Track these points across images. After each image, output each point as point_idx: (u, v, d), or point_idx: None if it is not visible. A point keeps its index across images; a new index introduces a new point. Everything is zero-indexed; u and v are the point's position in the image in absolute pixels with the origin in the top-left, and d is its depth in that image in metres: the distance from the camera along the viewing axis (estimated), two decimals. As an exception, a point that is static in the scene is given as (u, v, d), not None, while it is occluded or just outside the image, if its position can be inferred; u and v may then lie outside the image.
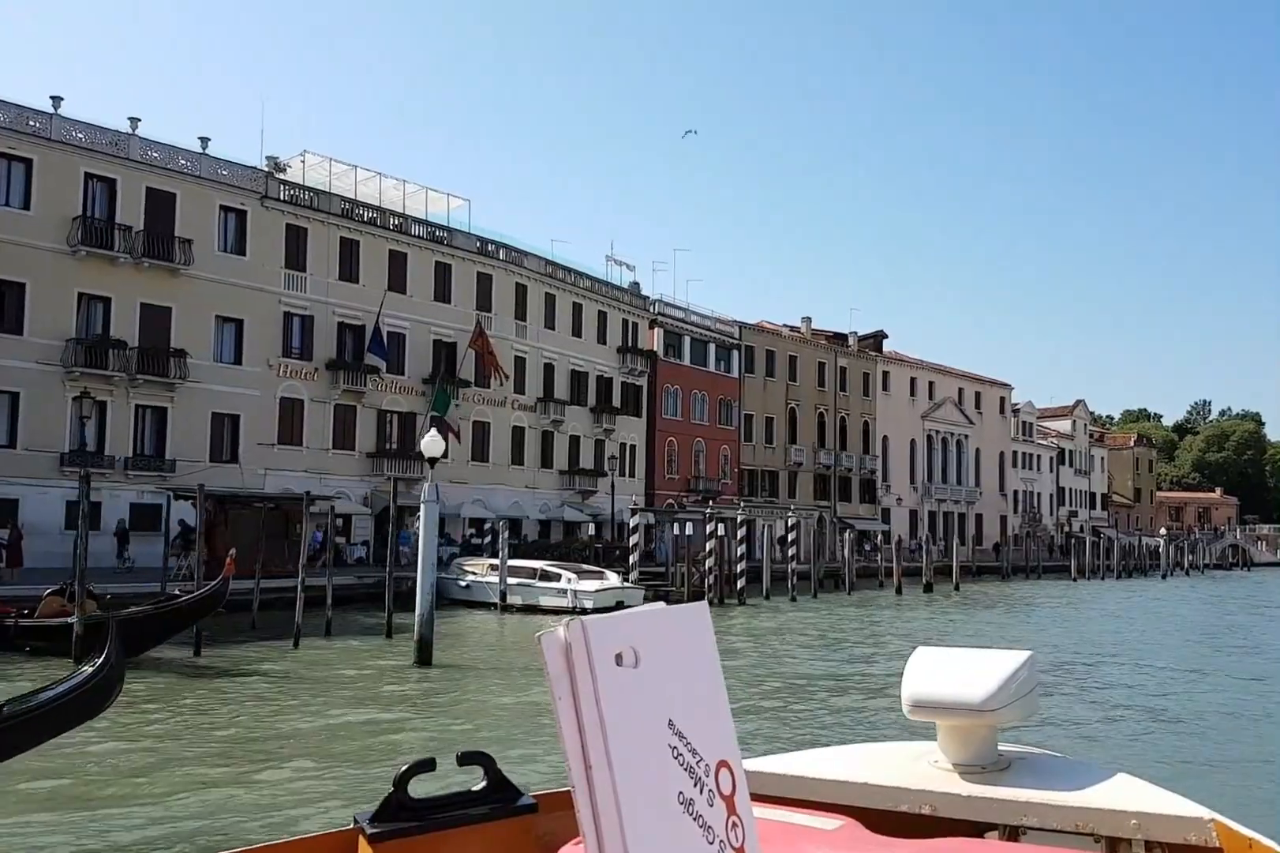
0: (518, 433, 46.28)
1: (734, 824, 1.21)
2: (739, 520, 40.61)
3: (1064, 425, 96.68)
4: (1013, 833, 2.37)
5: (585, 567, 31.77)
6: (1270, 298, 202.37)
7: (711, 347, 59.57)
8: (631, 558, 33.93)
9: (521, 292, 46.69)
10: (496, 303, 45.42)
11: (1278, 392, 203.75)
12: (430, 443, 20.30)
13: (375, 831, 1.85)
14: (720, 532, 35.84)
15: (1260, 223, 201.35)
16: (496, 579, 30.60)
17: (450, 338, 43.20)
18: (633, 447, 53.57)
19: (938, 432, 78.62)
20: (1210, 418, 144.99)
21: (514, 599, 30.63)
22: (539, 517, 46.31)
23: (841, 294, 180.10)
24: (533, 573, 30.66)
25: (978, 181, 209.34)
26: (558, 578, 30.11)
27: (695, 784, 1.17)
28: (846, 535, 48.22)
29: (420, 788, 1.91)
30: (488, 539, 43.28)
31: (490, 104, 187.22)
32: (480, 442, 44.51)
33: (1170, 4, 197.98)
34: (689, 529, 37.72)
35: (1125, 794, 2.34)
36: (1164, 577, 74.08)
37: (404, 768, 1.81)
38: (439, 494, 20.28)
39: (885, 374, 73.99)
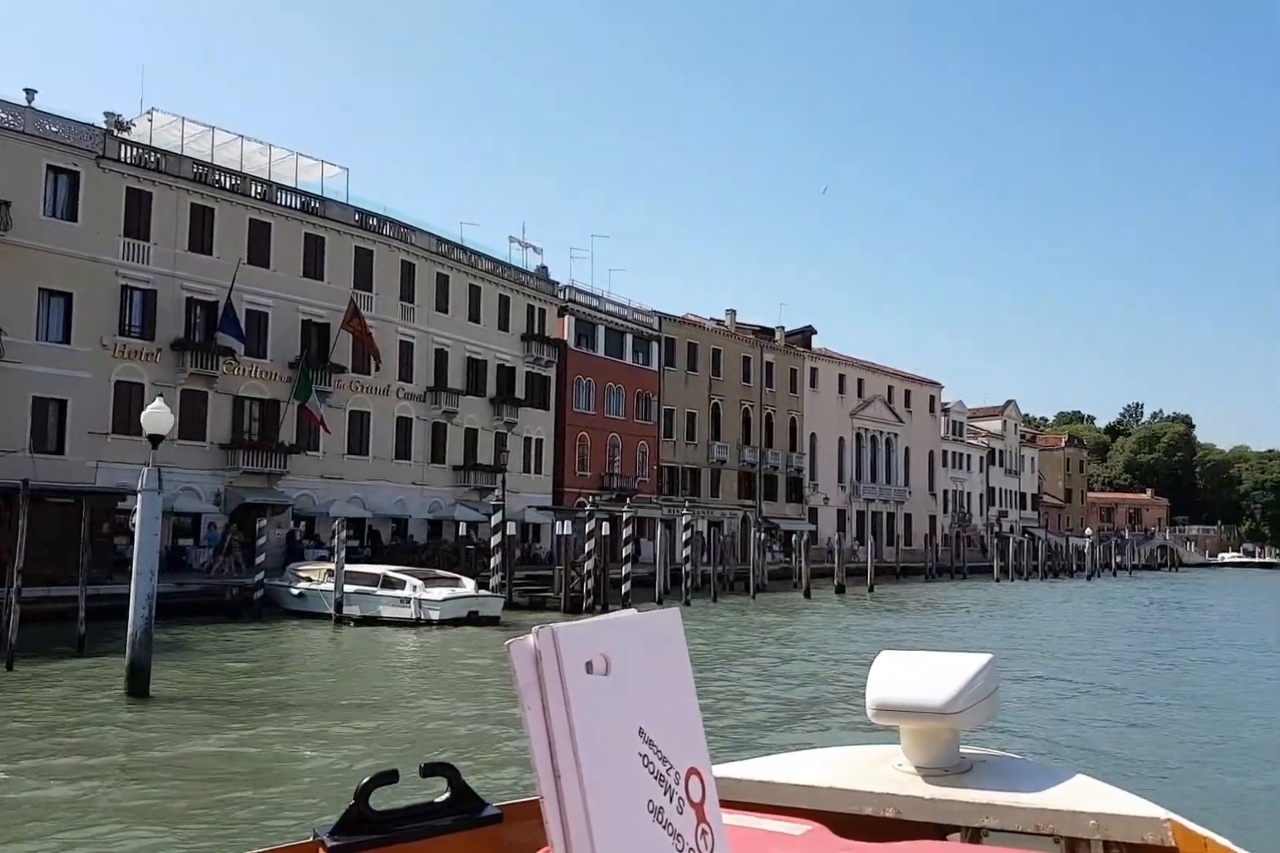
0: (404, 424, 41.07)
1: (703, 832, 1.18)
2: (660, 520, 36.32)
3: (995, 425, 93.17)
4: (974, 835, 2.36)
5: (440, 572, 26.74)
6: (1202, 302, 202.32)
7: (629, 338, 54.74)
8: (492, 561, 28.89)
9: (408, 270, 41.48)
10: (378, 281, 40.19)
11: (1208, 395, 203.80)
12: (151, 417, 15.27)
13: (336, 843, 1.74)
14: (605, 531, 31.00)
15: (1192, 228, 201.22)
16: (333, 587, 25.53)
17: (322, 318, 37.90)
18: (539, 441, 48.58)
19: (867, 430, 74.45)
20: (1142, 420, 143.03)
21: (352, 609, 25.56)
22: (426, 516, 41.14)
23: (771, 290, 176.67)
24: (374, 580, 25.61)
25: (910, 180, 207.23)
26: (401, 585, 25.09)
27: (665, 792, 1.13)
28: (754, 535, 43.61)
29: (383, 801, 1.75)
30: (366, 542, 38.30)
31: (398, 79, 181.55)
32: (359, 433, 39.26)
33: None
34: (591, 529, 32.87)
35: (1083, 795, 2.32)
36: (1089, 577, 70.54)
37: (365, 780, 1.68)
38: (171, 484, 15.13)
39: (813, 371, 69.64)
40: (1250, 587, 63.68)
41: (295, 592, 26.56)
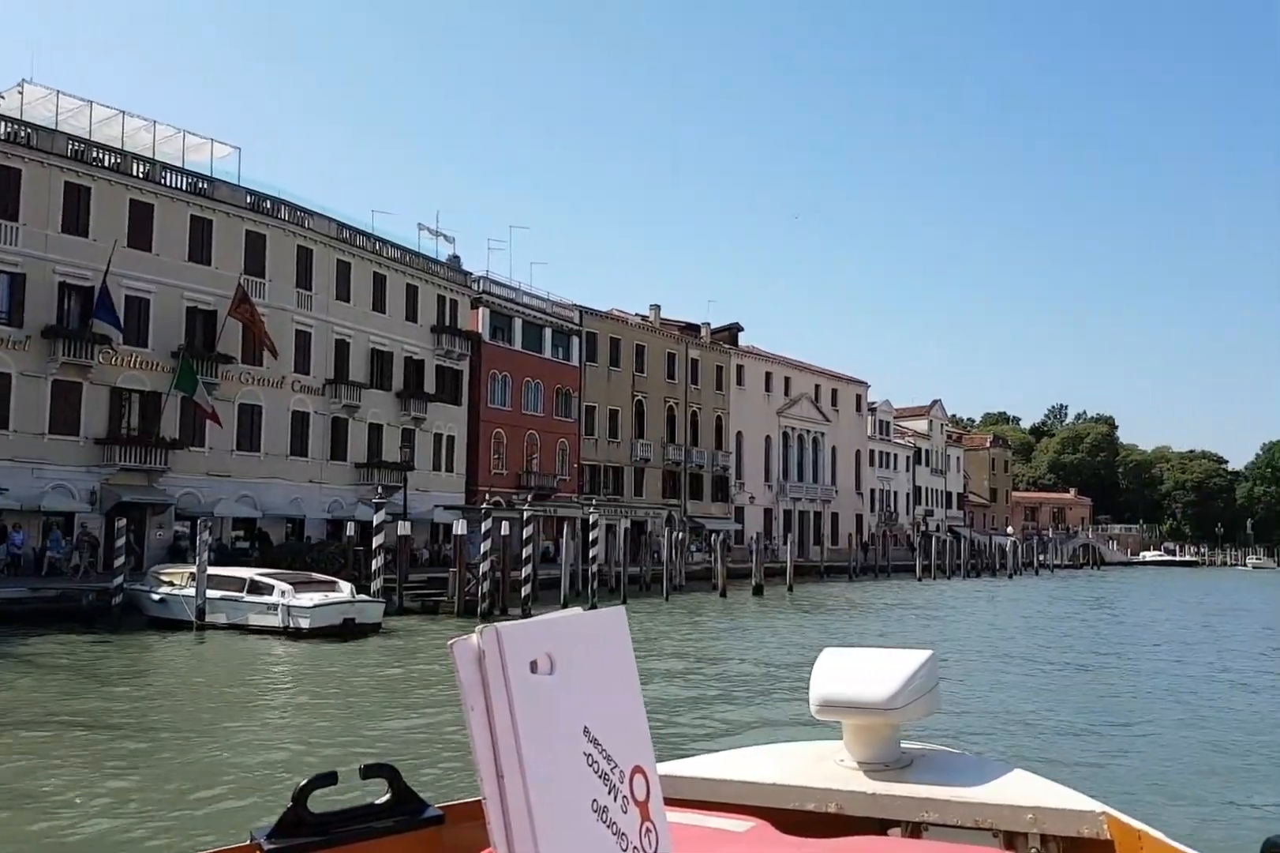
0: (300, 419, 38.67)
1: (648, 830, 1.18)
2: (580, 521, 34.54)
3: (921, 425, 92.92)
4: (915, 829, 2.34)
5: (316, 576, 24.57)
6: (1126, 305, 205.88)
7: (548, 332, 52.82)
8: (375, 563, 26.77)
9: (305, 256, 39.07)
10: (272, 267, 37.74)
11: (1130, 396, 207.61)
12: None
13: (273, 847, 1.70)
14: (505, 531, 29.09)
15: (1119, 231, 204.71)
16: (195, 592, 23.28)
17: (208, 305, 35.37)
18: (451, 438, 46.44)
19: (793, 429, 73.40)
20: (1066, 421, 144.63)
21: (218, 617, 23.33)
22: (325, 516, 38.79)
23: (699, 287, 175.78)
24: (241, 584, 23.40)
25: (839, 177, 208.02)
26: (269, 591, 22.92)
27: (610, 791, 1.14)
28: (669, 534, 42.01)
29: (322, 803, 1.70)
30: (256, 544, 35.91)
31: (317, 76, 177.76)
32: (249, 428, 36.79)
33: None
34: (506, 529, 30.91)
35: (1021, 790, 2.33)
36: (1011, 576, 70.26)
37: (303, 782, 1.64)
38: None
39: (740, 368, 68.36)
40: (1167, 585, 63.75)
41: (156, 597, 24.23)
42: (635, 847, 1.15)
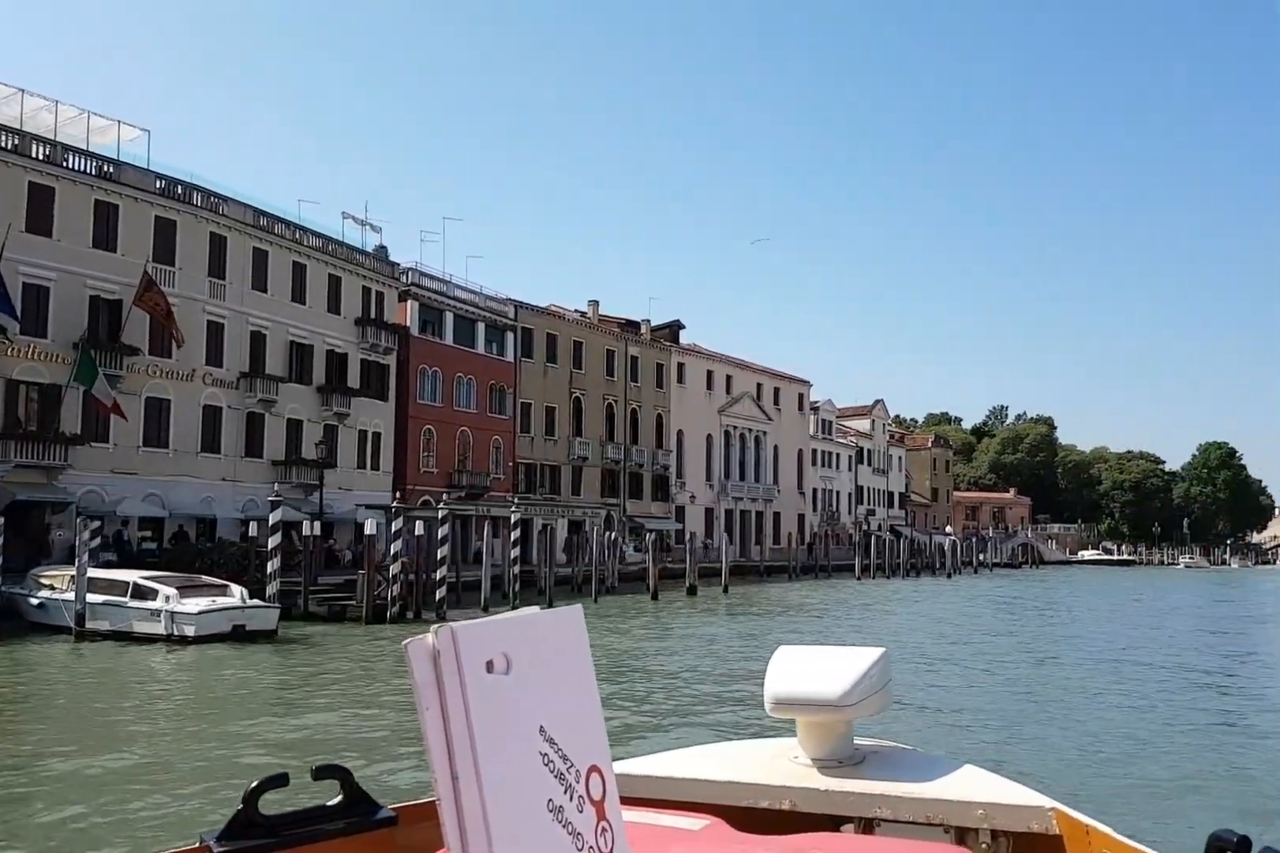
0: (212, 414, 36.88)
1: (603, 830, 1.17)
2: (514, 520, 33.23)
3: (863, 424, 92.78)
4: (867, 825, 2.36)
5: (207, 580, 23.04)
6: (1066, 307, 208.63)
7: (481, 326, 51.38)
8: (270, 565, 25.23)
9: (219, 244, 37.28)
10: (183, 255, 35.92)
11: (1069, 397, 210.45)
12: None
13: (223, 849, 1.67)
14: (419, 530, 27.73)
15: (1054, 231, 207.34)
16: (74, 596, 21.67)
17: (113, 294, 33.50)
18: (377, 434, 44.86)
19: (735, 427, 72.65)
20: (1007, 422, 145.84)
21: (100, 623, 21.73)
22: (238, 516, 37.01)
23: (640, 284, 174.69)
24: (124, 589, 21.83)
25: (776, 179, 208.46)
26: (153, 595, 21.39)
27: (565, 791, 1.12)
28: (597, 534, 40.90)
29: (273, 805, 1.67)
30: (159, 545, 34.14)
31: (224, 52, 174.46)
32: (157, 424, 34.96)
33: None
34: (420, 529, 29.52)
35: (972, 786, 2.35)
36: (950, 576, 70.16)
37: (254, 784, 1.61)
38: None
39: (680, 366, 67.39)
40: (1103, 583, 63.94)
41: (35, 602, 22.58)
42: (591, 846, 1.13)
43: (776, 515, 76.71)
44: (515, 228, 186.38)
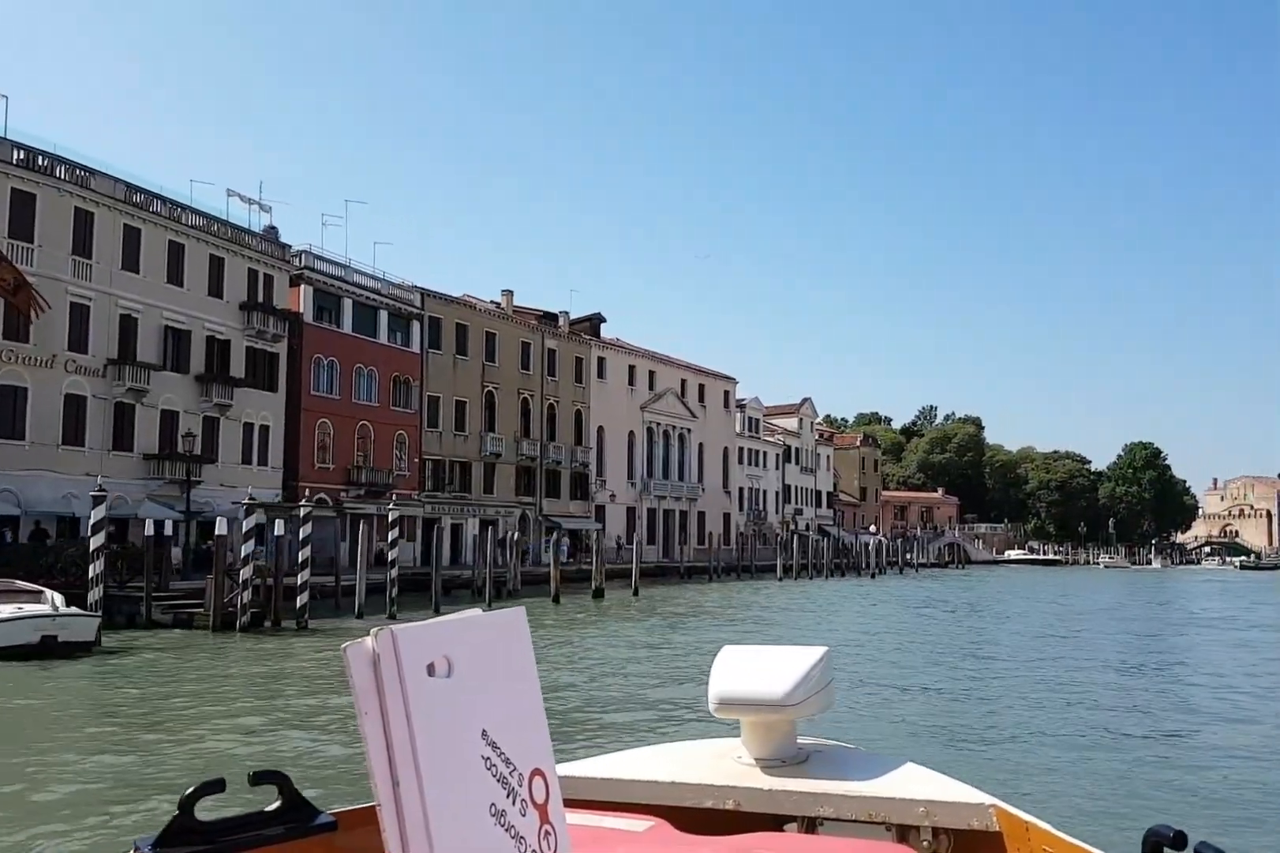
0: (75, 404, 33.86)
1: (546, 833, 1.17)
2: (424, 519, 30.93)
3: (791, 423, 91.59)
4: (810, 825, 2.36)
5: (20, 585, 20.36)
6: (995, 308, 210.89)
7: (384, 314, 48.77)
8: (92, 569, 22.59)
9: (85, 220, 34.26)
10: (43, 231, 32.81)
11: (996, 398, 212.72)
12: None
13: None
14: (280, 531, 25.22)
15: (985, 234, 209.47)
16: None
17: (-43, 271, 30.54)
18: (265, 427, 42.03)
19: (658, 424, 70.77)
20: (936, 422, 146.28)
21: (-109, 635, 19.03)
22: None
23: (561, 277, 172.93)
24: (-80, 595, 19.13)
25: (701, 178, 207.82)
26: (-53, 602, 18.74)
27: (508, 795, 1.12)
28: (481, 533, 38.64)
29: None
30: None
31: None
32: (10, 414, 31.88)
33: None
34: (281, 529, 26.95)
35: (913, 783, 2.35)
36: (874, 576, 69.09)
37: (190, 789, 1.57)
38: None
39: (601, 360, 65.29)
40: (1025, 584, 63.31)
41: None
42: (534, 850, 1.13)
43: (701, 515, 75.04)
44: (429, 219, 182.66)
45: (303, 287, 44.05)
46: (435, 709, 1.04)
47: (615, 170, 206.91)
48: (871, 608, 38.08)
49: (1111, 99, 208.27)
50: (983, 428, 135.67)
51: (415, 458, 50.46)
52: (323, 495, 44.69)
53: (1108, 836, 7.28)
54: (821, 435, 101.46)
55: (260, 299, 41.34)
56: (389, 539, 27.76)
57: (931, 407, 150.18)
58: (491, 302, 59.11)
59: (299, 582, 24.30)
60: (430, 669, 1.06)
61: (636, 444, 68.61)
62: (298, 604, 24.21)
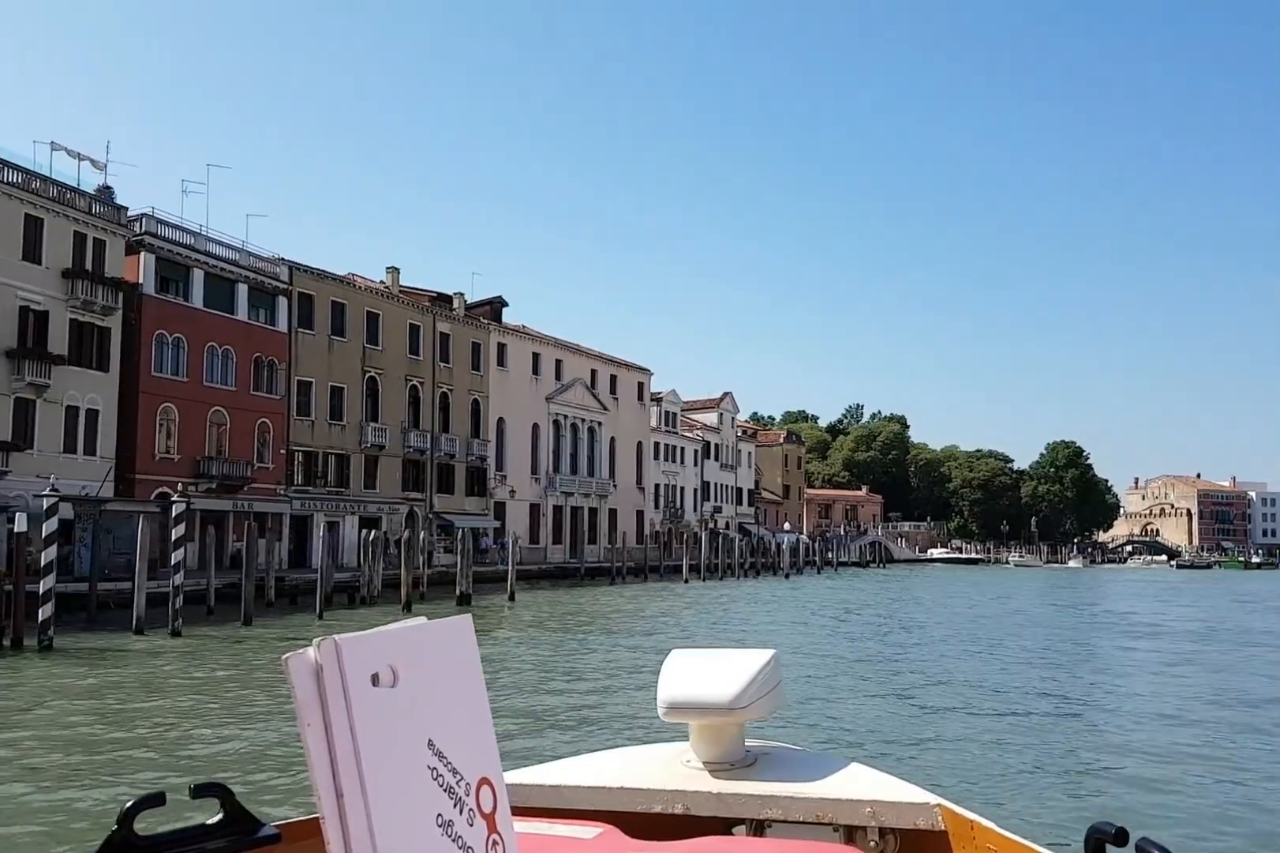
0: None
1: (495, 842, 1.16)
2: (290, 517, 26.07)
3: (711, 418, 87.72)
4: (759, 827, 2.35)
5: None
6: (920, 308, 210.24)
7: (243, 289, 43.55)
8: None
9: None
10: None
11: (921, 396, 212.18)
12: None
13: None
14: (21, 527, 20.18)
15: (911, 233, 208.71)
16: None
17: None
18: (93, 412, 36.65)
19: (566, 416, 66.24)
20: (863, 420, 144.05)
21: None
22: None
23: (462, 260, 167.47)
24: None
25: (627, 176, 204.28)
26: None
27: (455, 805, 1.11)
28: (361, 533, 33.91)
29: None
30: None
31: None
32: None
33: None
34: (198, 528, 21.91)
35: (859, 784, 2.34)
36: (788, 576, 65.33)
37: (129, 804, 1.52)
38: None
39: (501, 347, 60.54)
40: (939, 583, 60.04)
41: None
42: None
43: (613, 512, 70.66)
44: (312, 193, 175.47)
45: (142, 254, 38.72)
46: (380, 719, 1.01)
47: (525, 160, 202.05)
48: (767, 614, 33.99)
49: (1015, 99, 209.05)
50: (908, 426, 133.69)
51: (280, 449, 45.32)
52: (165, 489, 39.55)
53: (1051, 832, 7.33)
54: (744, 432, 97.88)
55: (88, 266, 35.95)
56: (173, 538, 22.67)
57: (858, 405, 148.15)
58: (382, 283, 54.07)
59: (41, 590, 19.24)
60: (375, 679, 1.03)
61: (541, 437, 64.02)
62: (40, 617, 19.21)
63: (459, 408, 56.50)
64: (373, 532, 33.61)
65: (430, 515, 54.36)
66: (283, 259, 45.52)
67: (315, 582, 34.19)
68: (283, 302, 45.30)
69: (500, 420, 60.03)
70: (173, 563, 22.11)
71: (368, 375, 50.21)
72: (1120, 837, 1.46)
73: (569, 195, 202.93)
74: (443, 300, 56.85)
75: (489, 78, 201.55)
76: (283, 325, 45.30)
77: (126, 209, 38.32)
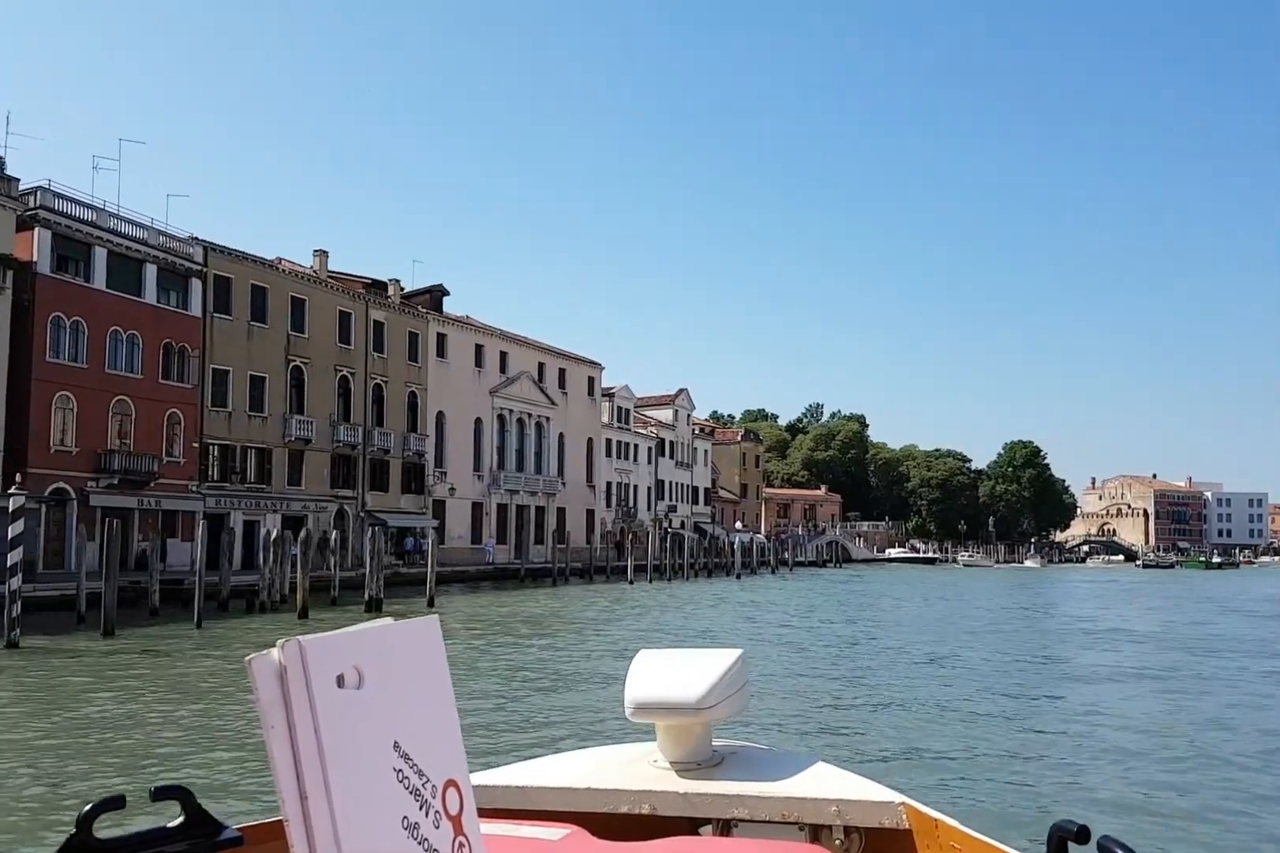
0: None
1: (461, 845, 1.15)
2: (203, 515, 22.99)
3: (665, 414, 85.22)
4: (725, 827, 2.34)
5: None
6: (879, 306, 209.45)
7: (152, 269, 40.33)
8: None
9: None
10: None
11: (881, 396, 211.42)
12: None
13: None
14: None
15: (867, 233, 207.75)
16: None
17: None
18: (-26, 399, 33.48)
19: (511, 411, 63.37)
20: (822, 419, 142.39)
21: None
22: None
23: (403, 247, 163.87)
24: None
25: (564, 156, 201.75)
26: None
27: (421, 807, 1.10)
28: (264, 534, 30.95)
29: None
30: None
31: None
32: None
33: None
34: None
35: (825, 783, 2.34)
36: (739, 577, 62.86)
37: (88, 807, 1.43)
38: None
39: (441, 337, 57.55)
40: (893, 583, 57.87)
41: None
42: None
43: (561, 511, 67.89)
44: (242, 174, 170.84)
45: (36, 230, 35.47)
46: (345, 721, 1.01)
47: (472, 151, 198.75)
48: (701, 620, 31.42)
49: (962, 98, 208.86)
50: (867, 426, 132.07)
51: (194, 442, 42.16)
52: (63, 485, 36.40)
53: (1015, 830, 7.25)
54: (701, 430, 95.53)
55: (-32, 240, 32.73)
56: (9, 536, 19.57)
57: (818, 404, 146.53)
58: (313, 269, 50.96)
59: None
60: (340, 680, 1.02)
61: (485, 433, 61.14)
62: None
63: (394, 401, 53.54)
64: (274, 531, 30.65)
65: (362, 514, 51.40)
66: (197, 239, 42.36)
67: (231, 585, 31.39)
68: (196, 284, 42.14)
69: (440, 414, 57.10)
70: (8, 565, 19.03)
71: (292, 364, 47.12)
72: (1082, 835, 1.44)
73: (519, 188, 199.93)
74: (377, 287, 53.86)
75: (436, 64, 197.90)
76: (196, 309, 42.14)
77: (18, 181, 35.08)
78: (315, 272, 49.42)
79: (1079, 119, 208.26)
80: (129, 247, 39.02)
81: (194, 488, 41.98)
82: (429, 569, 32.88)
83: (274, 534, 29.92)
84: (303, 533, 28.88)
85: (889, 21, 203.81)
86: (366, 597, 29.23)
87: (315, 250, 49.69)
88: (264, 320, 45.33)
